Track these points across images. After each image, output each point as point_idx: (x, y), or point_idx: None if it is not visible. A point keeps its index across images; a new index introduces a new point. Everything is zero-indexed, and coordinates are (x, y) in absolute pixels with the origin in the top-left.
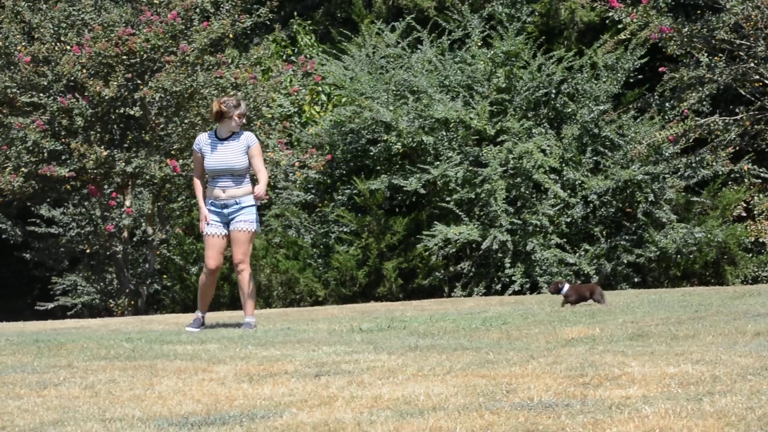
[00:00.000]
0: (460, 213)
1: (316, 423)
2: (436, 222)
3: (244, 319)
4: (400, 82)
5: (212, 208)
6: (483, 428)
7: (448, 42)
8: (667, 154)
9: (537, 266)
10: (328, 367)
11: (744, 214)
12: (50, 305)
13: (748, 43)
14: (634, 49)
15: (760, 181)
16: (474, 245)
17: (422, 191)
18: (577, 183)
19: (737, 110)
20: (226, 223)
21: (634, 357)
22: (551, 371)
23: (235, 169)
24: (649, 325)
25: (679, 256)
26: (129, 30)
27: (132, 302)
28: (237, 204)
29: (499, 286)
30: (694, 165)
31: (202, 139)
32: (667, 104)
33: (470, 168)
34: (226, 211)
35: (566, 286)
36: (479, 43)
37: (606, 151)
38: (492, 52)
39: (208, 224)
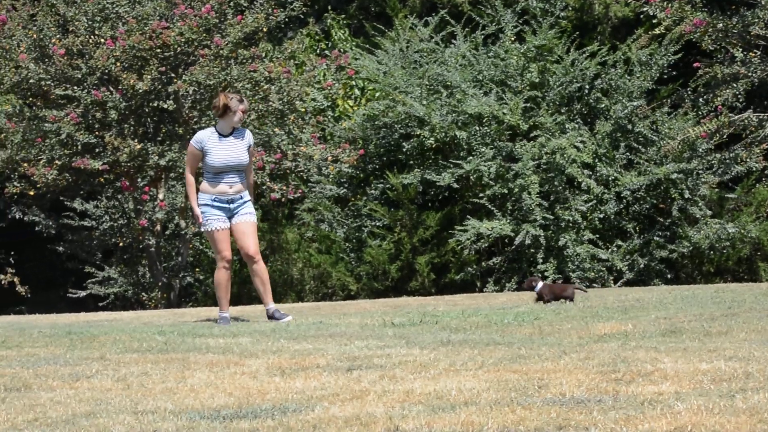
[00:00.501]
0: (492, 208)
1: (347, 417)
2: (468, 216)
3: (269, 307)
4: (434, 76)
5: (217, 204)
6: (515, 423)
7: (482, 37)
8: (700, 150)
9: (569, 262)
10: (360, 362)
11: None
12: (82, 293)
13: None
14: (669, 44)
15: None
16: (506, 240)
17: (455, 186)
18: (610, 179)
19: None
20: (230, 217)
21: (666, 353)
22: (583, 367)
23: (241, 164)
24: (681, 321)
25: (712, 252)
26: (163, 23)
27: (164, 295)
28: (241, 198)
29: None
30: (727, 161)
31: (204, 136)
32: (701, 100)
33: (503, 163)
34: (232, 206)
35: (540, 284)
36: (512, 38)
37: (639, 147)
38: (525, 47)
39: (208, 221)
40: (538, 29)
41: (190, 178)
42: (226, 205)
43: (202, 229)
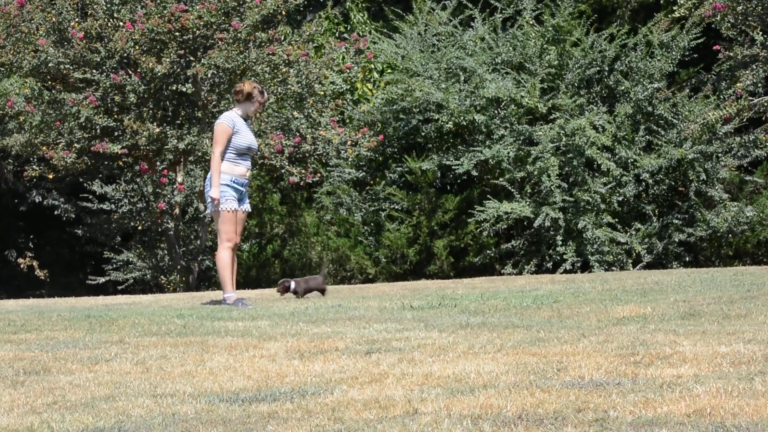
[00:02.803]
0: (512, 189)
1: (366, 400)
2: (488, 196)
3: (232, 296)
4: (452, 60)
5: (235, 185)
6: (533, 406)
7: (500, 20)
8: (720, 133)
9: (588, 245)
10: (379, 345)
11: None
12: (102, 279)
13: None
14: (691, 28)
15: None
16: (525, 223)
17: (474, 172)
18: (629, 161)
19: None
20: (241, 200)
21: (685, 336)
22: (602, 350)
23: (257, 150)
24: (700, 304)
25: (731, 235)
26: (182, 6)
27: (183, 279)
28: (249, 185)
29: (550, 264)
30: (747, 144)
31: (233, 116)
32: (722, 83)
33: (522, 147)
34: (243, 189)
35: (292, 283)
36: (531, 21)
37: (659, 129)
38: (543, 29)
39: (227, 200)
40: (557, 12)
41: (219, 159)
42: (241, 188)
43: (220, 208)
